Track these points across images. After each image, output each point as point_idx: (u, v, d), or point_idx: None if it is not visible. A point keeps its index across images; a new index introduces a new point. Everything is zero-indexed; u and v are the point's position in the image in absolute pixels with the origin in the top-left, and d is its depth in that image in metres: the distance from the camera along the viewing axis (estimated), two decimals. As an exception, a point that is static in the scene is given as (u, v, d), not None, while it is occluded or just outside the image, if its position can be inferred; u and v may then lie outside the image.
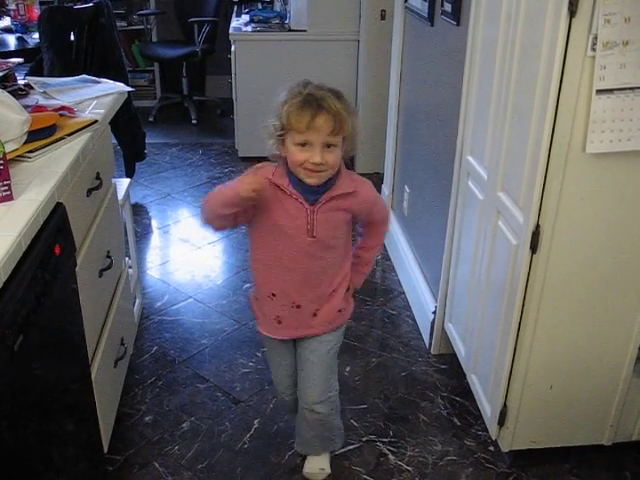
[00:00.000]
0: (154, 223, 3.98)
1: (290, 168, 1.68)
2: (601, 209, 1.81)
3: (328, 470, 2.18)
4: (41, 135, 1.86)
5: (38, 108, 2.08)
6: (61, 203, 1.69)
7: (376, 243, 1.99)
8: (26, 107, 1.91)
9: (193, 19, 5.47)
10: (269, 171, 1.70)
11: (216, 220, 1.76)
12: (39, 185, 1.63)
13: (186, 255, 3.59)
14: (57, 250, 1.61)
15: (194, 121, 5.65)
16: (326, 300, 1.87)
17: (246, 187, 1.59)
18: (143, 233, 3.81)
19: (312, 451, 2.18)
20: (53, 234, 1.60)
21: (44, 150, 1.83)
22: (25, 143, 1.81)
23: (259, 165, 1.69)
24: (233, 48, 4.57)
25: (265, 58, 4.53)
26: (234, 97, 4.71)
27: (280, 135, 1.65)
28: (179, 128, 5.54)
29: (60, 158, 1.81)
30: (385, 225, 1.97)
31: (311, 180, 1.66)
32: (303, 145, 1.61)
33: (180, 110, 5.83)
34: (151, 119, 5.61)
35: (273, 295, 1.85)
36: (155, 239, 3.81)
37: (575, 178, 1.76)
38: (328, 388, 1.98)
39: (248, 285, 3.26)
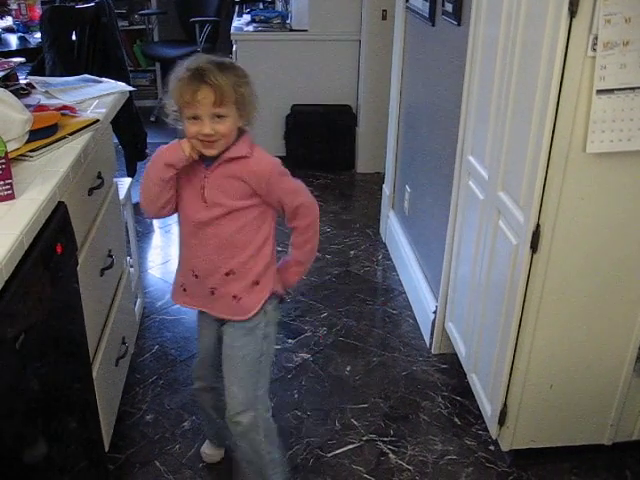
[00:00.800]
0: (155, 222, 3.98)
1: (189, 141, 1.71)
2: (601, 209, 1.81)
3: None
4: (43, 134, 1.86)
5: (40, 107, 2.08)
6: (63, 202, 1.69)
7: (302, 241, 1.85)
8: (28, 106, 1.92)
9: (194, 19, 5.48)
10: (176, 142, 1.76)
11: (153, 201, 1.79)
12: (41, 184, 1.63)
13: (187, 254, 3.59)
14: (59, 249, 1.61)
15: (195, 121, 5.64)
16: (222, 280, 1.81)
17: (187, 148, 1.70)
18: (144, 232, 3.82)
19: None
20: (55, 233, 1.60)
21: (46, 149, 1.83)
22: (27, 142, 1.81)
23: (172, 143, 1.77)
24: (234, 48, 4.57)
25: (266, 58, 4.53)
26: (235, 97, 4.70)
27: (175, 111, 1.71)
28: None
29: (62, 157, 1.82)
30: (305, 218, 1.81)
31: (207, 151, 1.69)
32: (195, 119, 1.66)
33: (181, 110, 5.82)
34: (152, 119, 5.61)
35: (181, 261, 1.91)
36: (156, 238, 3.82)
37: (575, 178, 1.76)
38: (252, 397, 1.89)
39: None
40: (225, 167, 1.72)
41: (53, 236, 1.59)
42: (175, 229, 3.87)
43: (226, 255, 1.79)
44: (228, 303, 1.84)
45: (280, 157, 1.78)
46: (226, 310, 1.85)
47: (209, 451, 2.24)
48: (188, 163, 1.72)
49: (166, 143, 1.78)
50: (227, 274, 1.80)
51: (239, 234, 1.77)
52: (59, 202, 1.67)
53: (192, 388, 2.10)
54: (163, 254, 3.64)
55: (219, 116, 1.64)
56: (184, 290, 1.92)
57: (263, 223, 1.80)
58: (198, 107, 1.63)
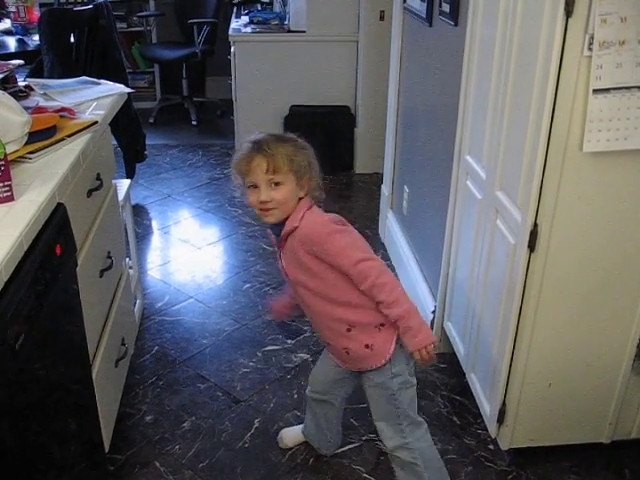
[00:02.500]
0: (154, 224, 3.99)
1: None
2: (598, 208, 1.81)
3: None
4: (42, 136, 1.87)
5: (38, 109, 2.09)
6: (62, 204, 1.70)
7: (383, 299, 1.73)
8: (27, 108, 1.92)
9: (193, 20, 5.48)
10: None
11: None
12: (40, 186, 1.64)
13: (186, 256, 3.60)
14: (58, 250, 1.62)
15: (194, 122, 5.66)
16: (348, 338, 1.84)
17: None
18: (143, 234, 3.82)
19: None
20: (54, 234, 1.60)
21: (45, 151, 1.84)
22: (26, 144, 1.81)
23: None
24: (233, 49, 4.58)
25: (264, 59, 4.54)
26: (234, 98, 4.72)
27: (242, 184, 1.77)
28: (179, 129, 5.56)
29: (61, 159, 1.82)
30: (367, 279, 1.71)
31: (267, 219, 1.76)
32: (254, 188, 1.72)
33: (180, 111, 5.84)
34: (151, 120, 5.62)
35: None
36: (155, 240, 3.82)
37: (572, 177, 1.77)
38: (397, 433, 1.90)
39: (248, 285, 3.28)
40: (289, 242, 1.77)
41: (52, 238, 1.59)
42: (174, 230, 3.88)
43: (335, 318, 1.82)
44: (360, 354, 1.84)
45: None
46: (362, 362, 1.87)
47: (287, 440, 2.30)
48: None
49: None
50: (348, 330, 1.83)
51: (334, 295, 1.79)
52: (58, 204, 1.67)
53: (307, 392, 2.19)
54: (162, 255, 3.64)
55: (276, 183, 1.70)
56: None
57: (345, 277, 1.75)
58: (253, 175, 1.70)
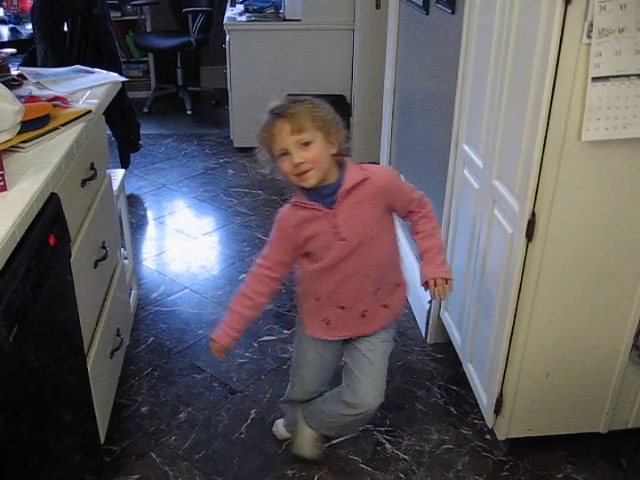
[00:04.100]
0: (149, 214, 3.97)
1: (290, 183, 1.74)
2: (597, 197, 1.80)
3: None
4: (35, 125, 1.85)
5: (31, 98, 2.07)
6: (55, 193, 1.68)
7: (427, 227, 1.86)
8: (19, 97, 1.90)
9: (187, 9, 5.45)
10: (289, 206, 1.81)
11: None
12: (33, 175, 1.62)
13: (182, 246, 3.59)
14: (52, 241, 1.60)
15: (189, 112, 5.63)
16: (371, 299, 1.87)
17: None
18: (138, 224, 3.80)
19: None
20: (47, 225, 1.59)
21: (38, 140, 1.82)
22: (19, 133, 1.80)
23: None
24: (227, 38, 4.55)
25: (260, 48, 4.52)
26: (229, 87, 4.70)
27: (270, 157, 1.73)
28: (174, 119, 5.53)
29: (54, 148, 1.80)
30: (427, 205, 1.88)
31: (306, 182, 1.71)
32: (284, 155, 1.68)
33: (175, 101, 5.81)
34: (146, 110, 5.59)
35: (317, 299, 1.91)
36: (150, 230, 3.81)
37: (571, 166, 1.76)
38: (384, 386, 1.98)
39: (244, 275, 3.24)
40: (349, 198, 1.74)
41: (46, 228, 1.58)
42: (169, 220, 3.86)
43: (373, 276, 1.84)
44: (378, 314, 1.90)
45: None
46: (375, 323, 1.92)
47: (283, 430, 2.29)
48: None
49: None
50: (375, 291, 1.86)
51: (381, 252, 1.82)
52: (51, 194, 1.66)
53: (290, 399, 2.19)
54: (157, 246, 3.63)
55: (305, 144, 1.66)
56: (327, 324, 1.94)
57: (392, 230, 1.85)
58: (280, 141, 1.67)
